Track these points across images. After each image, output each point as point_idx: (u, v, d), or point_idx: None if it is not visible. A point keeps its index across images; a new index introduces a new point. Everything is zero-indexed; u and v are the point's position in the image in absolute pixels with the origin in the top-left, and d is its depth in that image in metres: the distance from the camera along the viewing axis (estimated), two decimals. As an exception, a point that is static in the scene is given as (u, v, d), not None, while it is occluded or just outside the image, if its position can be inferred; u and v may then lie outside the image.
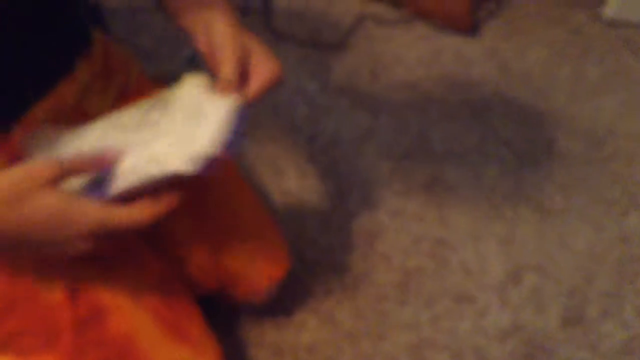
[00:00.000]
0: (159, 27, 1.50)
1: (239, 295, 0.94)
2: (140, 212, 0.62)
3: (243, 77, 0.70)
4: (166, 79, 0.83)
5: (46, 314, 0.70)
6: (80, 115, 0.77)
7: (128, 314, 0.72)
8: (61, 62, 0.77)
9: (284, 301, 1.07)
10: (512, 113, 1.43)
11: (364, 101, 1.41)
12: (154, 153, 0.65)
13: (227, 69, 0.68)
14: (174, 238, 0.87)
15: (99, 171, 0.65)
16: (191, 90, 0.71)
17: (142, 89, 0.88)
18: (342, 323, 1.09)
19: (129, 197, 0.63)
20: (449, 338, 1.09)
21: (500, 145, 1.36)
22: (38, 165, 0.61)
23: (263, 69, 0.71)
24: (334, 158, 1.31)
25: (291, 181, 1.26)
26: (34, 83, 0.73)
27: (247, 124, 0.70)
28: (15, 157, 0.71)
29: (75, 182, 0.64)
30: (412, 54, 1.53)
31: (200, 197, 0.87)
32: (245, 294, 0.94)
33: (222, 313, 0.93)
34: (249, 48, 0.72)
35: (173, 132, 0.67)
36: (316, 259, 1.16)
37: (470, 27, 1.59)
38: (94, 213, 0.61)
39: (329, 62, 1.48)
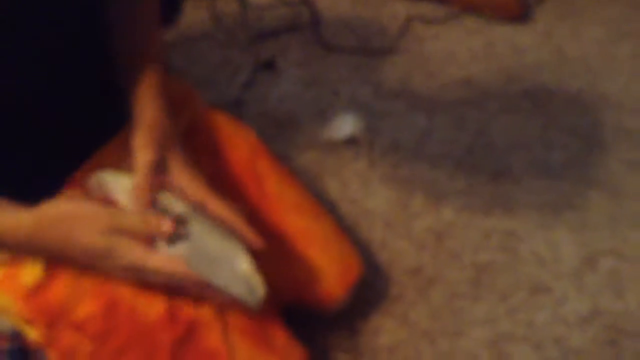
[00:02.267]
0: (213, 54, 1.56)
1: (315, 303, 0.97)
2: (175, 266, 0.71)
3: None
4: (225, 106, 0.88)
5: (146, 332, 0.75)
6: None
7: (219, 329, 0.77)
8: (123, 105, 0.83)
9: (359, 306, 1.09)
10: (573, 98, 1.41)
11: (419, 102, 1.42)
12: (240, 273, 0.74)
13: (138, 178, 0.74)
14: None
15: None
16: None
17: (210, 118, 0.94)
18: (418, 323, 1.10)
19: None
20: (528, 330, 1.08)
21: (563, 132, 1.34)
22: (101, 211, 0.71)
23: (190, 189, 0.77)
24: (395, 161, 1.32)
25: (356, 189, 1.29)
26: (100, 127, 0.81)
27: None
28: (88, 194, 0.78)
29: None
30: (464, 50, 1.53)
31: (269, 217, 0.91)
32: (320, 302, 0.97)
33: (299, 322, 0.95)
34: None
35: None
36: (387, 263, 1.18)
37: (520, 14, 1.57)
38: (134, 252, 0.70)
39: (381, 68, 1.50)
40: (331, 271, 0.95)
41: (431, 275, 1.16)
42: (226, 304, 0.78)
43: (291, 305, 0.96)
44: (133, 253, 0.69)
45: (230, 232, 0.76)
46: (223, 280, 0.73)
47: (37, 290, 0.75)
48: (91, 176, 0.77)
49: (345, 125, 1.37)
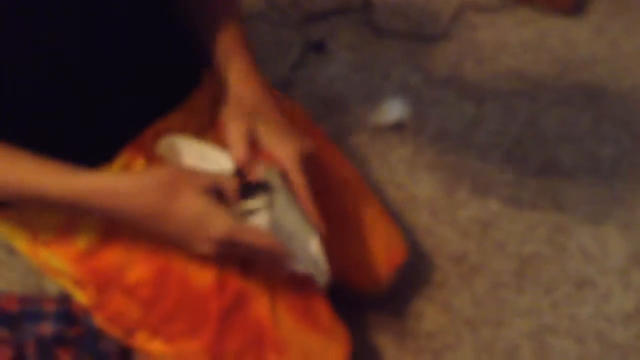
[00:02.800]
0: (265, 33, 1.56)
1: (360, 285, 0.97)
2: (264, 237, 0.70)
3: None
4: (274, 86, 0.88)
5: (195, 300, 0.76)
6: (211, 126, 0.84)
7: (266, 301, 0.78)
8: (188, 75, 0.84)
9: (402, 291, 1.10)
10: (626, 92, 1.39)
11: (469, 91, 1.41)
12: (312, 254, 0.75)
13: (237, 152, 0.74)
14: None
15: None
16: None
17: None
18: (460, 311, 1.11)
19: None
20: (571, 324, 1.08)
21: (616, 126, 1.32)
22: (199, 173, 0.70)
23: (281, 155, 0.75)
24: (442, 149, 1.32)
25: (402, 174, 1.29)
26: (164, 93, 0.81)
27: None
28: (150, 158, 0.79)
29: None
30: (516, 40, 1.51)
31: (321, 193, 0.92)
32: (365, 284, 0.97)
33: (344, 303, 0.96)
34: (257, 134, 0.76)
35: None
36: (431, 249, 1.18)
37: (574, 7, 1.55)
38: (228, 224, 0.68)
39: (432, 54, 1.49)
40: (377, 254, 0.95)
41: (475, 264, 1.15)
42: (286, 279, 0.79)
43: (337, 285, 0.97)
44: (225, 222, 0.68)
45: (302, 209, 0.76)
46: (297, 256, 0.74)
47: (90, 253, 0.77)
48: (160, 141, 0.77)
49: (393, 111, 1.37)
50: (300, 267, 0.74)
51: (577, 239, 1.17)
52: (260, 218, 0.73)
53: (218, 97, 0.83)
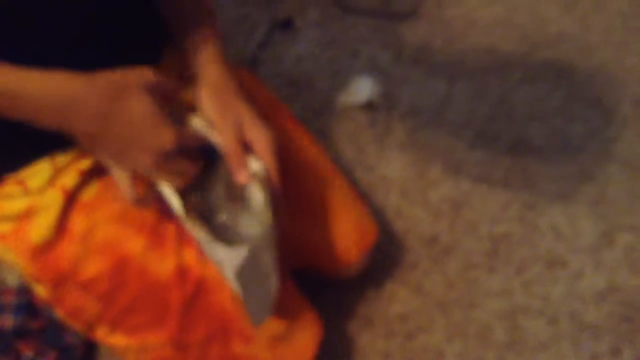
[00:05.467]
0: (230, 10, 1.52)
1: (330, 268, 0.96)
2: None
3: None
4: (244, 64, 0.85)
5: (156, 291, 0.73)
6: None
7: (228, 289, 0.75)
8: (148, 52, 0.80)
9: (373, 274, 1.08)
10: (596, 70, 1.38)
11: (439, 69, 1.39)
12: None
13: (226, 141, 0.71)
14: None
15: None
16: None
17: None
18: (432, 293, 1.09)
19: None
20: (543, 303, 1.07)
21: (585, 104, 1.31)
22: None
23: (260, 145, 0.72)
24: (413, 128, 1.30)
25: (372, 155, 1.27)
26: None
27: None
28: None
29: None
30: (486, 16, 1.49)
31: (288, 175, 0.89)
32: (335, 267, 0.95)
33: (313, 287, 0.94)
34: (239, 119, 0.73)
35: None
36: (402, 231, 1.16)
37: (544, -17, 1.53)
38: (171, 132, 0.66)
39: (401, 32, 1.47)
40: (347, 235, 0.93)
41: (447, 245, 1.14)
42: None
43: (306, 268, 0.95)
44: (172, 131, 0.66)
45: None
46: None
47: (45, 248, 0.73)
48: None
49: (362, 90, 1.34)
50: (252, 307, 0.71)
51: (548, 218, 1.16)
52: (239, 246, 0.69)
53: (179, 75, 0.79)
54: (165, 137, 0.65)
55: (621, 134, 1.27)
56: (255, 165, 0.71)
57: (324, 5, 1.51)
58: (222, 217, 0.72)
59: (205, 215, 0.70)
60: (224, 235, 0.69)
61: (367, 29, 1.47)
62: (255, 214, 0.70)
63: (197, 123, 0.72)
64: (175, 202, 0.69)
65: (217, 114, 0.72)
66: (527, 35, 1.45)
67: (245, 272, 0.67)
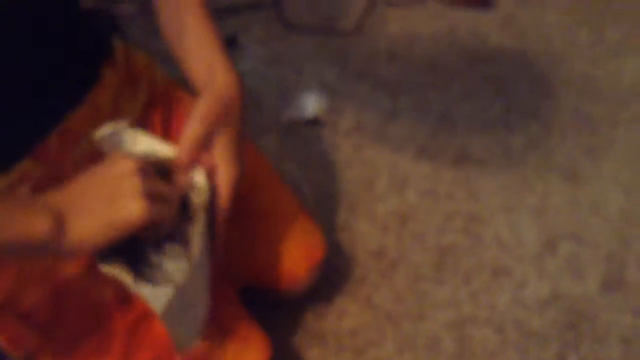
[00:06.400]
0: (173, 28, 1.50)
1: (278, 285, 0.94)
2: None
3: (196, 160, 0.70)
4: (184, 83, 0.83)
5: (98, 318, 0.72)
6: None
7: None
8: (88, 71, 0.78)
9: (323, 290, 1.08)
10: (535, 82, 1.42)
11: (383, 84, 1.41)
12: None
13: (183, 147, 0.68)
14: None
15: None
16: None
17: (169, 91, 0.89)
18: (381, 306, 1.10)
19: None
20: (490, 312, 1.09)
21: (525, 116, 1.35)
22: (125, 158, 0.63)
23: (222, 176, 0.69)
24: (358, 143, 1.31)
25: (318, 170, 1.27)
26: (65, 93, 0.75)
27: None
28: (54, 164, 0.73)
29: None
30: (428, 33, 1.52)
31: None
32: (283, 284, 0.94)
33: (262, 306, 0.93)
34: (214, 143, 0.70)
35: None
36: (350, 245, 1.17)
37: (482, 1, 1.57)
38: (132, 160, 0.63)
39: (345, 48, 1.48)
40: (293, 251, 0.92)
41: (395, 258, 1.15)
42: None
43: (252, 287, 0.94)
44: (129, 160, 0.62)
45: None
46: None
47: None
48: (103, 130, 0.69)
49: (308, 106, 1.35)
50: (179, 335, 0.69)
51: (492, 228, 1.18)
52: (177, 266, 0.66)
53: (119, 93, 0.78)
54: (130, 166, 0.62)
55: (560, 144, 1.30)
56: (199, 178, 0.69)
57: (268, 22, 1.51)
58: (150, 255, 0.69)
59: (135, 254, 0.67)
60: (151, 274, 0.66)
61: (311, 45, 1.48)
62: (182, 252, 0.68)
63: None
64: None
65: (201, 115, 0.68)
66: (467, 50, 1.48)
67: (172, 309, 0.65)
